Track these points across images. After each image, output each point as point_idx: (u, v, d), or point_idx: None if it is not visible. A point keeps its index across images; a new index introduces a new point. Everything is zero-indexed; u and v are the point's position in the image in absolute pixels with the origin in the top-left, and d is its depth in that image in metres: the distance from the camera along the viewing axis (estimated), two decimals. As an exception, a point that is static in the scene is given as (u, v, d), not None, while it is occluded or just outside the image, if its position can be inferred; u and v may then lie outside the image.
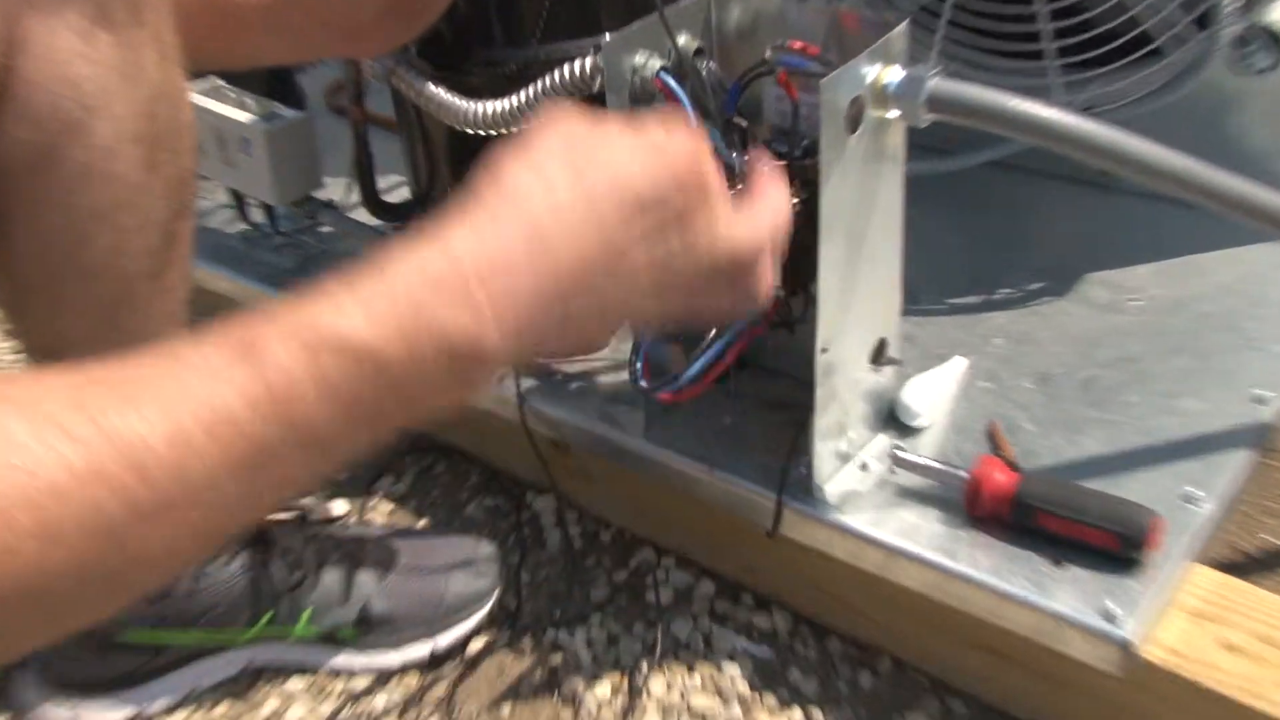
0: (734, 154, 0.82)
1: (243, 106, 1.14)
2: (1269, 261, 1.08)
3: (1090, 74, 1.08)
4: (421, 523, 1.10)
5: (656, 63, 0.82)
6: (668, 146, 0.58)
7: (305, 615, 0.92)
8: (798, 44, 0.80)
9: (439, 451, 1.17)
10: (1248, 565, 0.96)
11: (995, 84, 1.12)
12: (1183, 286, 1.07)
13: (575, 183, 0.56)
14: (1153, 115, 1.05)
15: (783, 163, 0.81)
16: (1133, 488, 0.85)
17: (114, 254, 0.73)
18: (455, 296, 0.51)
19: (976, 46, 1.14)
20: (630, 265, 0.57)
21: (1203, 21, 1.01)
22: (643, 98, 0.83)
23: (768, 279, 0.64)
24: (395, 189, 1.21)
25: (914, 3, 1.17)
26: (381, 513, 1.10)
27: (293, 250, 1.23)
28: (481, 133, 0.92)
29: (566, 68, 0.87)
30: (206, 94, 1.16)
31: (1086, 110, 1.09)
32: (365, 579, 0.93)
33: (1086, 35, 1.06)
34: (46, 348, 0.77)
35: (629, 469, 0.97)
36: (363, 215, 1.16)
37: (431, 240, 0.53)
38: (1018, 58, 1.13)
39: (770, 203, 0.65)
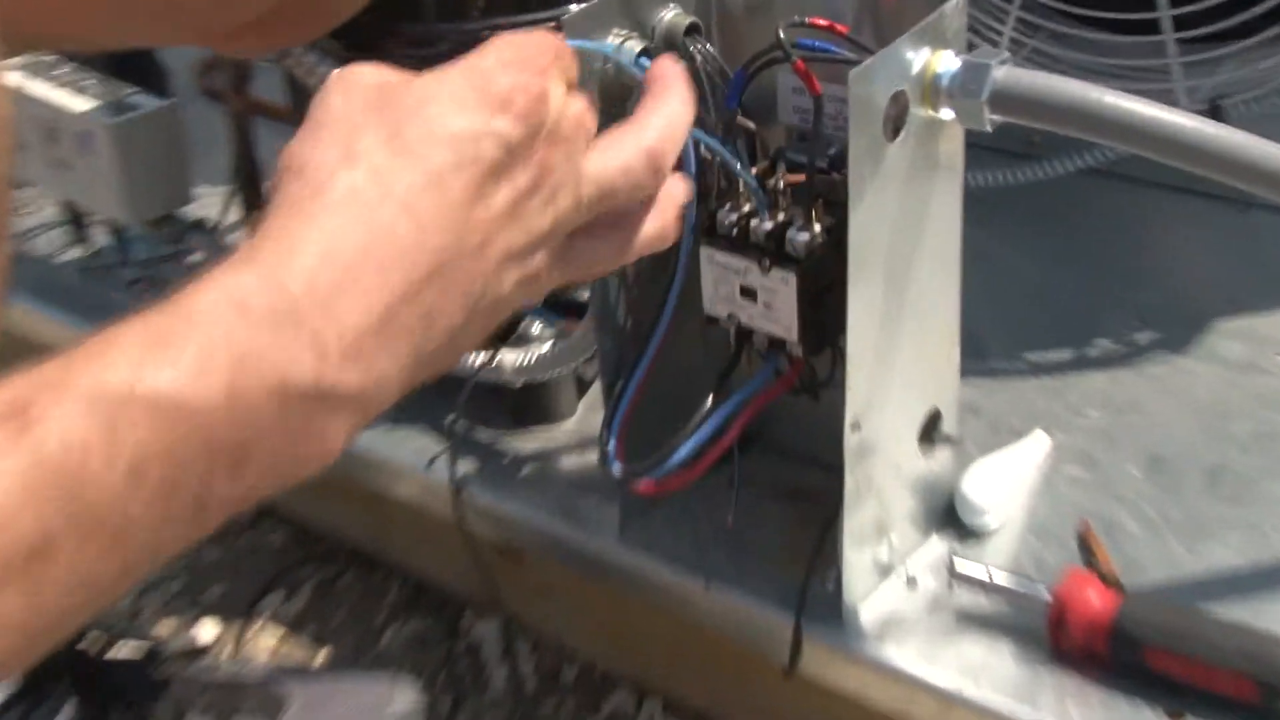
0: (739, 164, 0.84)
1: (81, 91, 1.16)
2: None
3: (1221, 51, 1.11)
4: (321, 657, 1.11)
5: (635, 45, 0.84)
6: (503, 81, 0.62)
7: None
8: (821, 21, 0.81)
9: (346, 558, 1.19)
10: None
11: (1089, 68, 1.17)
12: (1346, 339, 1.10)
13: (400, 155, 0.59)
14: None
15: (802, 176, 0.83)
16: (1277, 615, 0.87)
17: None
18: (283, 326, 0.53)
19: (1066, 14, 1.17)
20: (489, 236, 0.60)
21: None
22: (618, 92, 0.85)
23: (667, 213, 0.71)
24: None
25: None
26: (266, 644, 1.11)
27: (149, 287, 1.25)
28: None
29: None
30: (31, 73, 1.18)
31: (1216, 100, 1.13)
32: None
33: (1215, 1, 1.10)
34: None
35: (599, 582, 0.98)
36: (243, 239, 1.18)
37: (244, 260, 0.55)
38: (1122, 32, 1.16)
39: (660, 110, 0.70)
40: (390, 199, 0.58)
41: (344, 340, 0.55)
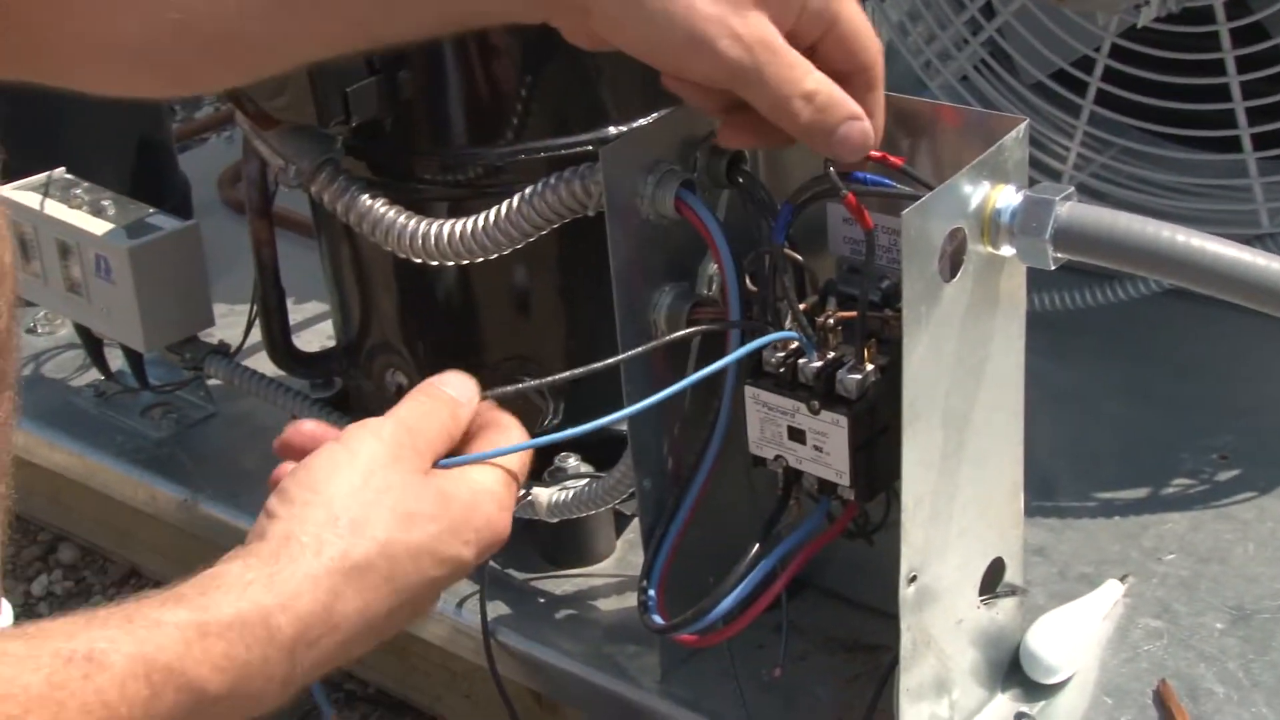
0: (782, 299, 0.85)
1: (99, 212, 1.19)
2: None
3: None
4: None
5: (677, 175, 0.87)
6: (493, 534, 0.79)
7: None
8: (875, 153, 0.82)
9: (369, 705, 1.20)
10: None
11: (1164, 185, 1.18)
12: None
13: (395, 562, 0.75)
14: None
15: (854, 312, 0.85)
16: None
17: None
18: (280, 666, 0.70)
19: (1137, 134, 1.19)
20: (416, 607, 0.78)
21: None
22: (658, 225, 0.88)
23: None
24: (316, 323, 1.27)
25: (1042, 67, 1.22)
26: (286, 796, 1.12)
27: (167, 413, 1.27)
28: (435, 262, 0.95)
29: (553, 181, 0.90)
30: (44, 193, 1.20)
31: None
32: None
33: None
34: None
35: (639, 738, 0.99)
36: (268, 365, 1.20)
37: (278, 607, 0.70)
38: (1199, 148, 1.18)
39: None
40: (365, 591, 0.74)
41: (306, 675, 0.72)
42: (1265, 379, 1.23)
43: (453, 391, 0.83)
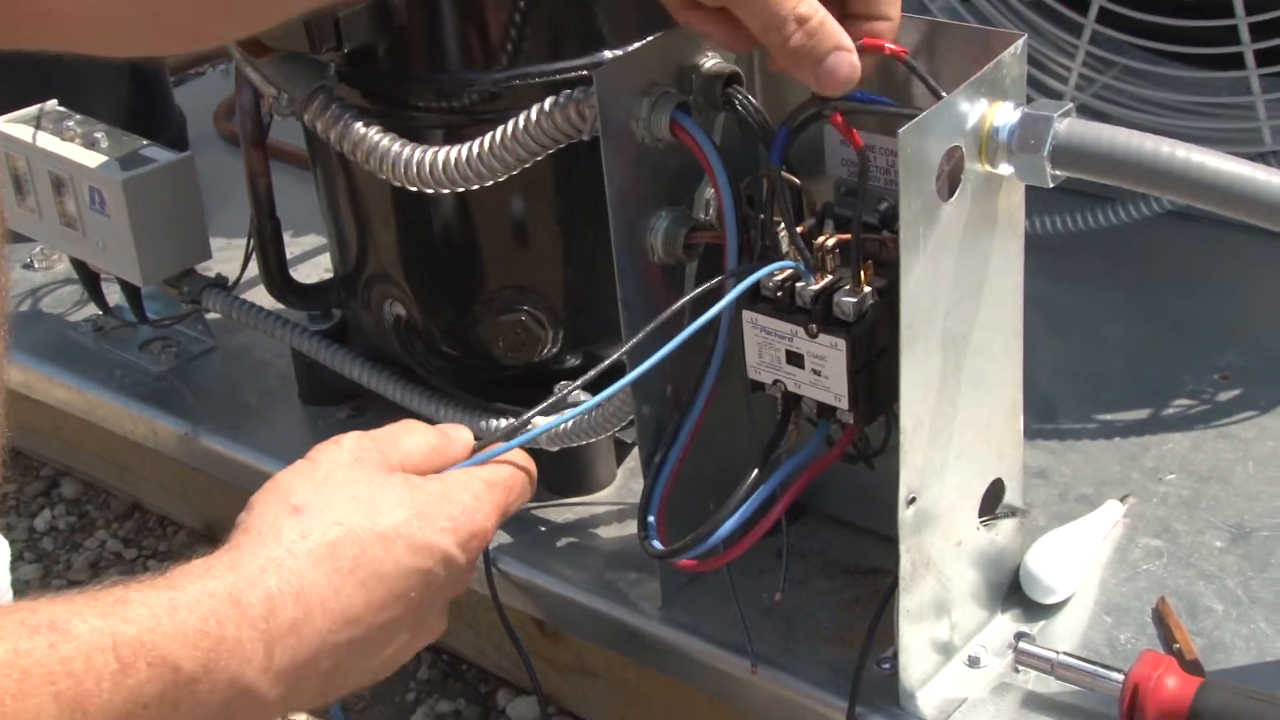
0: (779, 222, 0.85)
1: (92, 144, 1.18)
2: None
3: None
4: (344, 741, 1.11)
5: (672, 99, 0.86)
6: (473, 526, 0.79)
7: None
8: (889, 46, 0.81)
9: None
10: None
11: (1167, 104, 1.17)
12: None
13: (365, 544, 0.74)
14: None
15: (847, 236, 0.84)
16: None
17: None
18: (258, 649, 0.69)
19: (1140, 51, 1.18)
20: (410, 604, 0.77)
21: None
22: (654, 149, 0.88)
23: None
24: (314, 255, 1.26)
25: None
26: (290, 722, 1.13)
27: (166, 347, 1.27)
28: (430, 190, 0.95)
29: (547, 105, 0.89)
30: (37, 126, 1.20)
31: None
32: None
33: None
34: None
35: (640, 662, 1.00)
36: (267, 299, 1.19)
37: (247, 585, 0.70)
38: (1203, 66, 1.17)
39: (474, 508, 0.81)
40: (342, 597, 0.73)
41: (284, 678, 0.70)
42: (1266, 298, 1.23)
43: (439, 432, 0.84)
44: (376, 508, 0.76)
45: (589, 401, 0.90)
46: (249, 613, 0.69)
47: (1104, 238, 1.19)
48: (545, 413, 0.89)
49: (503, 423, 1.04)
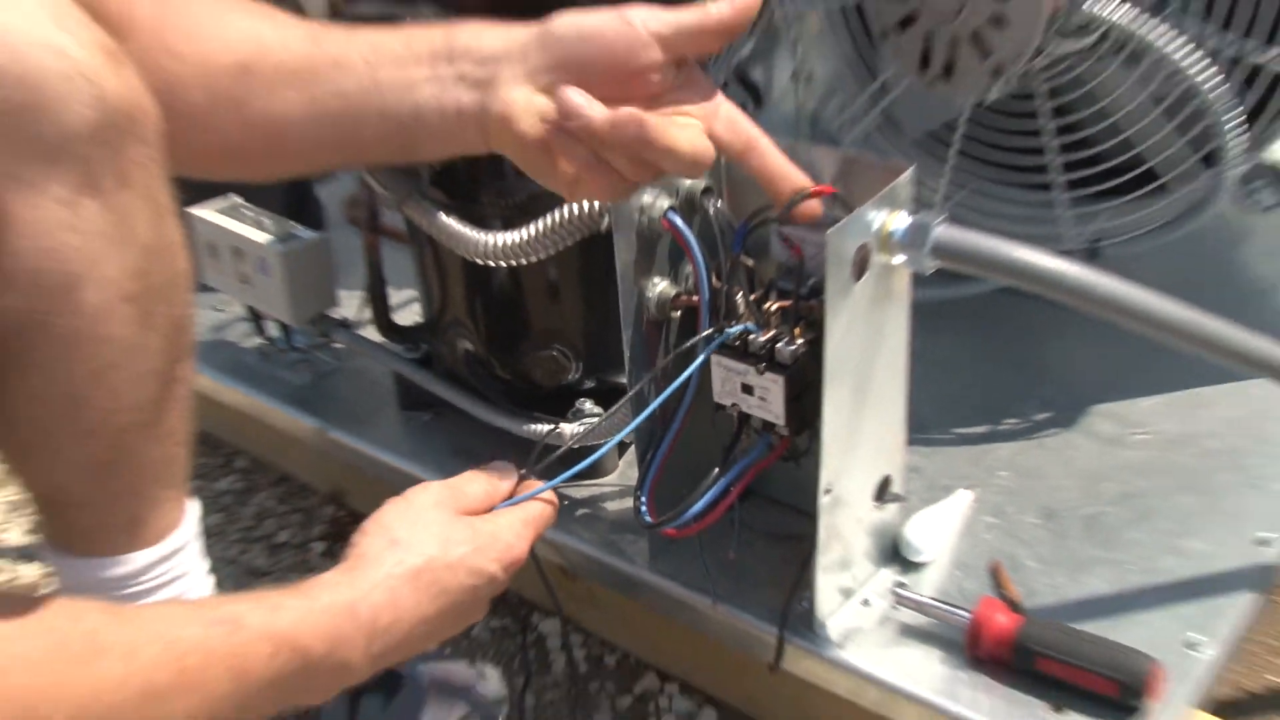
0: (738, 292, 0.82)
1: (260, 226, 1.16)
2: (1273, 398, 1.07)
3: (1099, 206, 1.10)
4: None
5: (665, 202, 0.83)
6: (511, 555, 0.78)
7: (299, 744, 0.92)
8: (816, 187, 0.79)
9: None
10: (1251, 706, 0.96)
11: (1003, 213, 1.15)
12: (1188, 421, 1.07)
13: (436, 573, 0.74)
14: (1160, 247, 1.06)
15: (789, 302, 0.82)
16: (1135, 632, 0.85)
17: (109, 413, 0.73)
18: (361, 642, 0.70)
19: (985, 176, 1.16)
20: (461, 611, 0.76)
21: (1209, 160, 1.03)
22: (650, 236, 0.85)
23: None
24: (409, 305, 1.23)
25: (921, 130, 1.19)
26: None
27: (307, 367, 1.24)
28: (491, 263, 0.93)
29: (575, 205, 0.88)
30: (224, 213, 1.18)
31: (1095, 242, 1.11)
32: (370, 704, 0.93)
33: (1095, 169, 1.08)
34: (47, 497, 0.77)
35: (634, 597, 0.97)
36: (375, 334, 1.17)
37: (360, 598, 0.71)
38: (1027, 188, 1.15)
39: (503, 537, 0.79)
40: (422, 599, 0.73)
41: (374, 661, 0.71)
42: (1067, 350, 1.19)
43: (493, 473, 0.82)
44: (448, 544, 0.75)
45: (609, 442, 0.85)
46: (359, 618, 0.70)
47: (960, 305, 1.15)
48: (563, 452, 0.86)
49: (540, 428, 1.01)
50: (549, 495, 0.82)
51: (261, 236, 1.14)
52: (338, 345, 1.23)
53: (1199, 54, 0.96)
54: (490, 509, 0.80)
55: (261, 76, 0.75)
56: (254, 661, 0.64)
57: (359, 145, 0.77)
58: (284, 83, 0.75)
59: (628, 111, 0.71)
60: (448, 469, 1.06)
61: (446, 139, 0.76)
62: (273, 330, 1.26)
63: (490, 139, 0.75)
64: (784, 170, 0.76)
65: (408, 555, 0.73)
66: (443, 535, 0.75)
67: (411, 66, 0.75)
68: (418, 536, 0.74)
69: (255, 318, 1.26)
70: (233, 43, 0.76)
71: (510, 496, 0.81)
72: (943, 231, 0.78)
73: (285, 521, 1.25)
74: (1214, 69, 0.96)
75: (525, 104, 0.73)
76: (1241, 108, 0.98)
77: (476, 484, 0.80)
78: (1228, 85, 0.96)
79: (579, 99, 0.71)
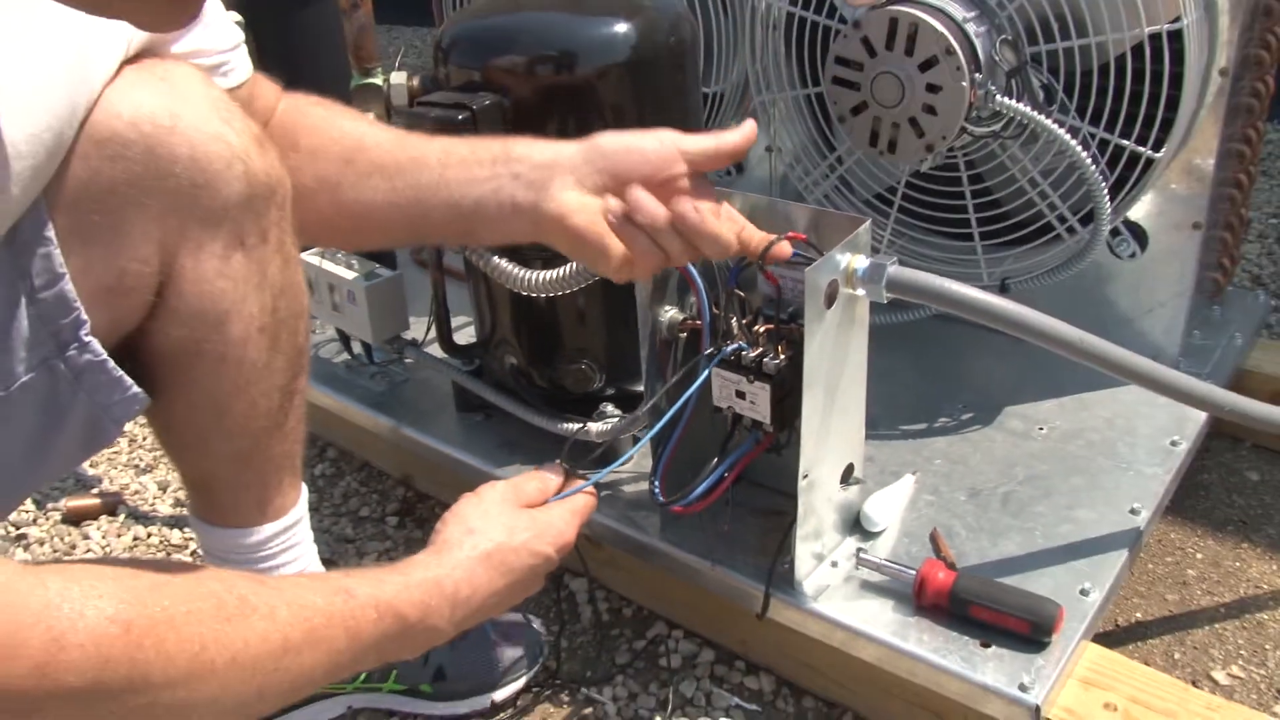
0: (733, 318, 0.82)
1: (349, 266, 1.15)
2: (1137, 399, 1.08)
3: (1007, 253, 1.10)
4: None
5: None
6: (563, 540, 0.76)
7: (392, 675, 0.91)
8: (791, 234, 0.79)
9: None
10: (1123, 637, 0.97)
11: (934, 256, 1.15)
12: (1077, 419, 1.07)
13: (504, 555, 0.73)
14: (1052, 285, 1.07)
15: (773, 325, 0.82)
16: (1042, 582, 0.86)
17: (247, 418, 0.74)
18: (446, 611, 0.69)
19: (920, 228, 1.16)
20: (523, 585, 0.75)
21: (1087, 219, 1.04)
22: (663, 274, 0.85)
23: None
24: (465, 328, 1.22)
25: (870, 192, 1.19)
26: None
27: (383, 378, 1.23)
28: (534, 295, 0.92)
29: None
30: (321, 255, 1.17)
31: (1005, 280, 1.11)
32: (438, 647, 0.92)
33: (1003, 224, 1.09)
34: (196, 480, 0.79)
35: (648, 561, 0.96)
36: (439, 351, 1.16)
37: (445, 575, 0.70)
38: (952, 237, 1.15)
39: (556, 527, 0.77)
40: (492, 573, 0.72)
41: (457, 625, 0.70)
42: (983, 364, 1.19)
43: (545, 472, 0.81)
44: (513, 531, 0.74)
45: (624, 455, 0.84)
46: (445, 591, 0.69)
47: (901, 328, 1.14)
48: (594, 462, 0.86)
49: (571, 426, 1.00)
50: (590, 489, 0.81)
51: (350, 274, 1.14)
52: (408, 360, 1.22)
53: (1077, 138, 0.97)
54: (545, 502, 0.79)
55: (356, 168, 0.76)
56: (364, 624, 0.63)
57: (428, 228, 0.77)
58: (373, 174, 0.76)
59: (687, 205, 0.73)
60: (496, 459, 1.07)
61: (501, 228, 0.75)
62: (357, 348, 1.25)
63: (541, 231, 0.75)
64: (757, 236, 0.77)
65: (481, 540, 0.72)
66: (508, 524, 0.74)
67: (475, 167, 0.75)
68: (488, 525, 0.73)
69: (344, 338, 1.24)
70: (338, 139, 0.77)
71: (560, 491, 0.80)
72: (895, 270, 0.78)
73: (366, 500, 1.24)
74: (1087, 150, 0.97)
75: (578, 203, 0.73)
76: (1108, 180, 0.99)
77: (533, 482, 0.79)
78: (1098, 163, 0.97)
79: (648, 197, 0.73)
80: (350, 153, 0.77)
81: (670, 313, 0.87)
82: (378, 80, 1.06)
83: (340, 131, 0.78)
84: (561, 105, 0.92)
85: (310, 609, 0.60)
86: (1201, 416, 1.05)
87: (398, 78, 0.97)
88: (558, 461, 0.82)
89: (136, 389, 0.67)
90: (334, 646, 0.61)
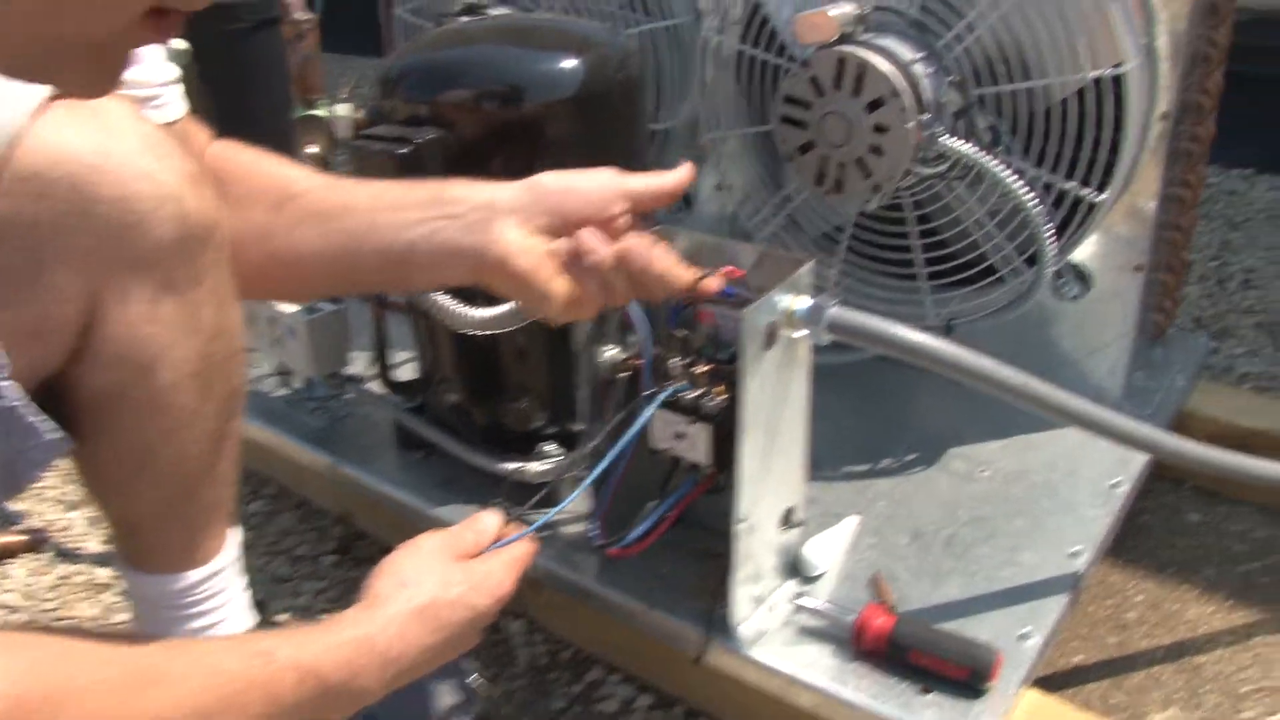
0: (673, 358, 0.81)
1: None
2: (1076, 441, 1.08)
3: (952, 294, 1.10)
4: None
5: None
6: (500, 592, 0.72)
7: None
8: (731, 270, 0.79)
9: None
10: (1062, 681, 0.96)
11: (880, 296, 1.15)
12: (1020, 460, 1.07)
13: (438, 609, 0.69)
14: (996, 325, 1.07)
15: (712, 366, 0.81)
16: (982, 627, 0.85)
17: (175, 464, 0.71)
18: (376, 670, 0.65)
19: (866, 268, 1.16)
20: (458, 639, 0.70)
21: (1031, 260, 1.04)
22: (604, 313, 0.82)
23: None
24: (407, 364, 1.20)
25: (817, 231, 1.19)
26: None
27: (324, 413, 1.20)
28: (476, 332, 0.90)
29: None
30: None
31: (950, 321, 1.11)
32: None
33: (949, 265, 1.09)
34: (122, 525, 0.76)
35: (585, 604, 0.94)
36: (380, 387, 1.14)
37: (376, 633, 0.66)
38: (898, 277, 1.15)
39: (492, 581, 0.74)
40: (422, 630, 0.68)
41: (386, 686, 0.66)
42: (925, 405, 1.19)
43: (481, 523, 0.77)
44: (448, 585, 0.71)
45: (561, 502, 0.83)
46: (375, 649, 0.66)
47: (843, 370, 1.15)
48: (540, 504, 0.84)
49: (510, 466, 0.98)
50: (530, 536, 0.79)
51: (291, 308, 1.12)
52: (349, 396, 1.20)
53: (1022, 180, 0.97)
54: (482, 552, 0.76)
55: (286, 215, 0.74)
56: (284, 688, 0.60)
57: (360, 275, 0.75)
58: (303, 222, 0.74)
59: (633, 245, 0.72)
60: (436, 497, 1.04)
61: (437, 272, 0.73)
62: (297, 383, 1.22)
63: (482, 274, 0.73)
64: (685, 275, 0.75)
65: (415, 595, 0.69)
66: (443, 577, 0.71)
67: (407, 210, 0.73)
68: (423, 578, 0.70)
69: (284, 373, 1.22)
70: (266, 187, 0.75)
71: (497, 540, 0.77)
72: (835, 311, 0.77)
73: (303, 538, 1.21)
74: (1032, 192, 0.97)
75: (521, 245, 0.71)
76: (1052, 222, 0.99)
77: (469, 532, 0.76)
78: (1042, 205, 0.98)
79: (595, 238, 0.72)
80: (280, 200, 0.75)
81: (611, 352, 0.86)
82: (321, 111, 1.05)
83: (269, 178, 0.76)
84: (507, 141, 0.91)
85: (225, 674, 0.58)
86: (1143, 458, 1.06)
87: (343, 109, 0.96)
88: (497, 504, 0.80)
89: (56, 434, 0.64)
90: (251, 712, 0.58)
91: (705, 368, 0.81)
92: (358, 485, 1.11)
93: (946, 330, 1.11)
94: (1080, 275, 1.11)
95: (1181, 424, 1.17)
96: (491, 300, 0.90)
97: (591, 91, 0.91)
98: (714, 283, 0.75)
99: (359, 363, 1.19)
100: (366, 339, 1.15)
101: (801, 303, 0.78)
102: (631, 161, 0.91)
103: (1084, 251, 1.09)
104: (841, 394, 1.17)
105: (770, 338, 0.76)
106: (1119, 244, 1.08)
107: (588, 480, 0.80)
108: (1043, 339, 1.14)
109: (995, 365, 0.80)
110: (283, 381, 1.23)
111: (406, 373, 1.16)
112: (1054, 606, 0.87)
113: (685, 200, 1.32)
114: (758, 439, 0.79)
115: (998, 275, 1.07)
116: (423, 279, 0.74)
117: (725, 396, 0.80)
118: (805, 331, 0.78)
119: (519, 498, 0.82)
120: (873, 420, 1.15)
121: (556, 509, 0.80)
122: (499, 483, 0.86)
